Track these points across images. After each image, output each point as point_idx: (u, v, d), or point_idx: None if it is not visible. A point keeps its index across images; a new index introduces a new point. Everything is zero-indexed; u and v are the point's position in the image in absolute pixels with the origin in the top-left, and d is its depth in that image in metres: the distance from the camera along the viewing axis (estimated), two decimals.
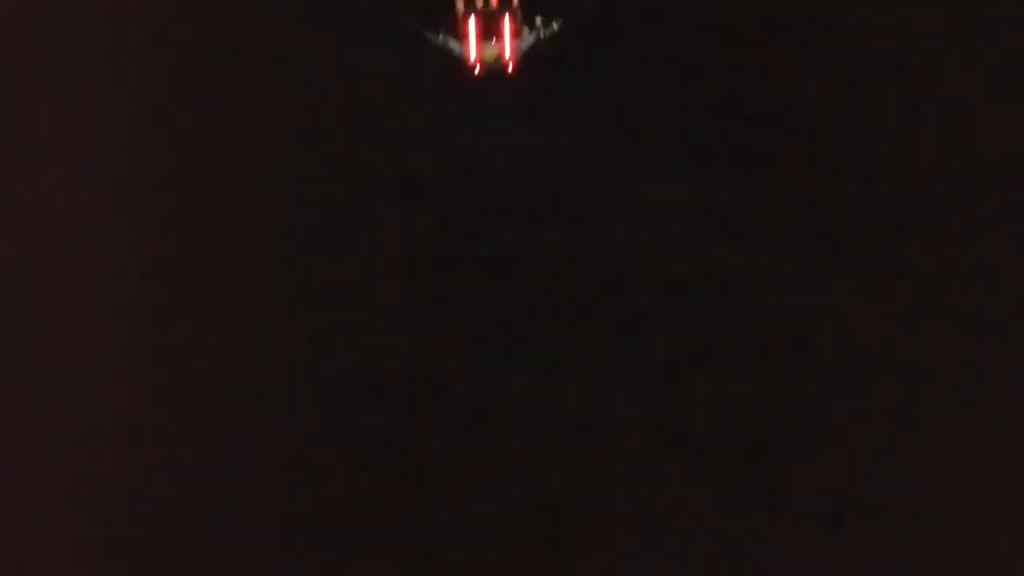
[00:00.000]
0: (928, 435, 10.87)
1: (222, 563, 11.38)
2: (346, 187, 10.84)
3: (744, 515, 10.83)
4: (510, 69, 12.91)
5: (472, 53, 12.16)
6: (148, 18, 11.70)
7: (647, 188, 10.46)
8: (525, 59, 12.39)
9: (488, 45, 12.63)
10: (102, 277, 14.06)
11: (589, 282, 11.41)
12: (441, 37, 12.26)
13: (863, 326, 11.20)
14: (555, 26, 13.41)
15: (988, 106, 10.86)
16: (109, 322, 13.39)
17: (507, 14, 12.92)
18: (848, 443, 10.65)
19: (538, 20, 13.14)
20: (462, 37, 12.68)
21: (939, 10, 10.58)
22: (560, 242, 11.02)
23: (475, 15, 12.76)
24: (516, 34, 13.06)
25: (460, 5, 12.92)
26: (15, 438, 14.24)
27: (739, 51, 11.53)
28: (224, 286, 11.48)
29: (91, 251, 13.88)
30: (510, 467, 10.13)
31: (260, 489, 11.80)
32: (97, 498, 12.58)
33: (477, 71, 12.60)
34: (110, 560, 12.06)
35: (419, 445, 10.84)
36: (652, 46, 10.17)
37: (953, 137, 10.31)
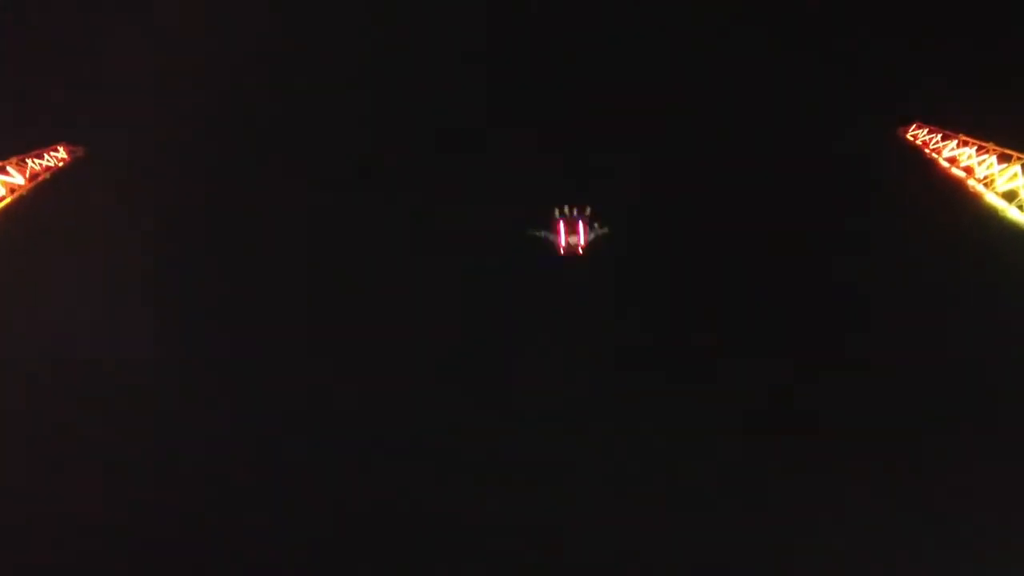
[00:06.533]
0: None
1: None
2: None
3: None
4: (581, 251, 37.18)
5: (561, 240, 36.29)
6: None
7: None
8: (589, 246, 38.22)
9: (571, 235, 36.48)
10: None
11: None
12: (542, 233, 37.30)
13: None
14: (607, 230, 37.63)
15: None
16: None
17: (582, 220, 37.95)
18: None
19: (596, 226, 37.72)
20: (555, 231, 37.69)
21: None
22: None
23: (563, 219, 37.82)
24: (587, 231, 37.88)
25: (556, 214, 38.09)
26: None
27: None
28: None
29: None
30: None
31: None
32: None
33: (562, 251, 36.79)
34: None
35: None
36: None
37: None
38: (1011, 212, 32.22)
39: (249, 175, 46.59)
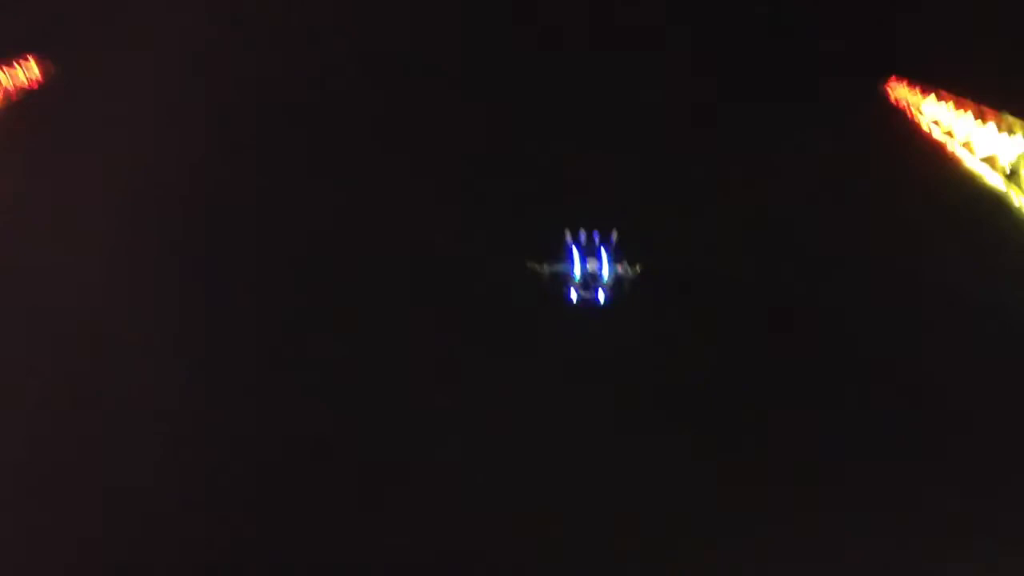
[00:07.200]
0: None
1: None
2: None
3: None
4: (602, 295, 26.32)
5: (575, 276, 24.54)
6: None
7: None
8: (615, 288, 27.15)
9: (589, 271, 24.44)
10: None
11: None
12: (548, 267, 25.94)
13: None
14: (638, 269, 28.26)
15: None
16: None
17: (605, 249, 27.05)
18: None
19: (624, 262, 27.88)
20: (567, 264, 26.23)
21: None
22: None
23: (579, 247, 26.70)
24: (611, 265, 26.43)
25: (568, 238, 26.75)
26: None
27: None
28: None
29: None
30: None
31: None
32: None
33: (575, 295, 25.76)
34: None
35: None
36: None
37: None
38: (986, 174, 31.83)
39: (245, 123, 43.97)
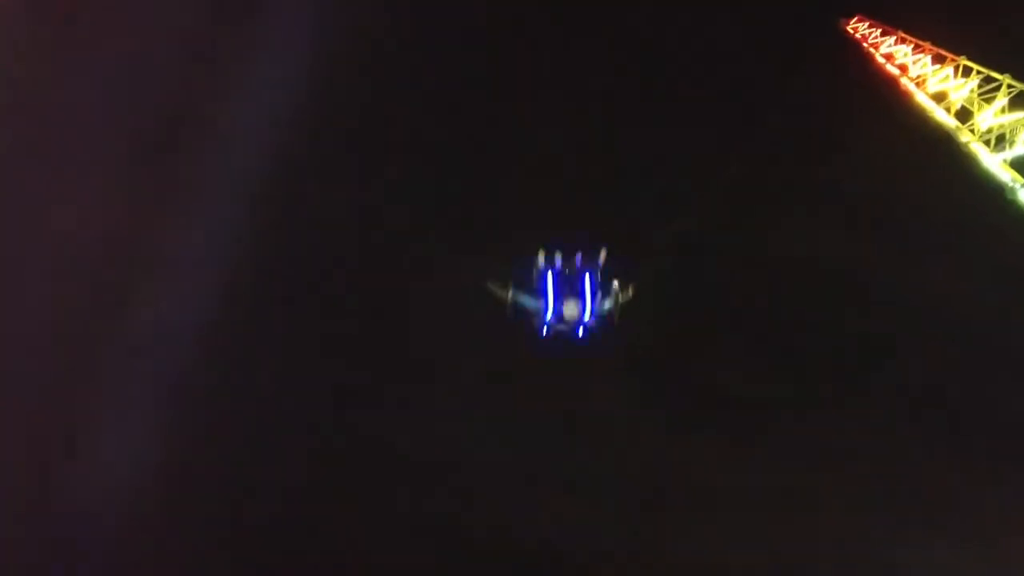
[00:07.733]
0: None
1: None
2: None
3: None
4: (583, 333, 14.90)
5: (549, 309, 13.93)
6: None
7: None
8: (601, 323, 15.07)
9: (568, 303, 14.13)
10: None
11: None
12: (514, 295, 14.28)
13: None
14: (630, 292, 15.48)
15: None
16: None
17: (590, 273, 14.73)
18: None
19: (615, 284, 15.17)
20: (539, 293, 14.59)
21: None
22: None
23: (555, 271, 14.55)
24: (597, 294, 14.87)
25: (541, 260, 14.54)
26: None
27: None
28: None
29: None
30: None
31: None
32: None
33: (546, 331, 14.42)
34: None
35: None
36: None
37: None
38: (938, 113, 33.05)
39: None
